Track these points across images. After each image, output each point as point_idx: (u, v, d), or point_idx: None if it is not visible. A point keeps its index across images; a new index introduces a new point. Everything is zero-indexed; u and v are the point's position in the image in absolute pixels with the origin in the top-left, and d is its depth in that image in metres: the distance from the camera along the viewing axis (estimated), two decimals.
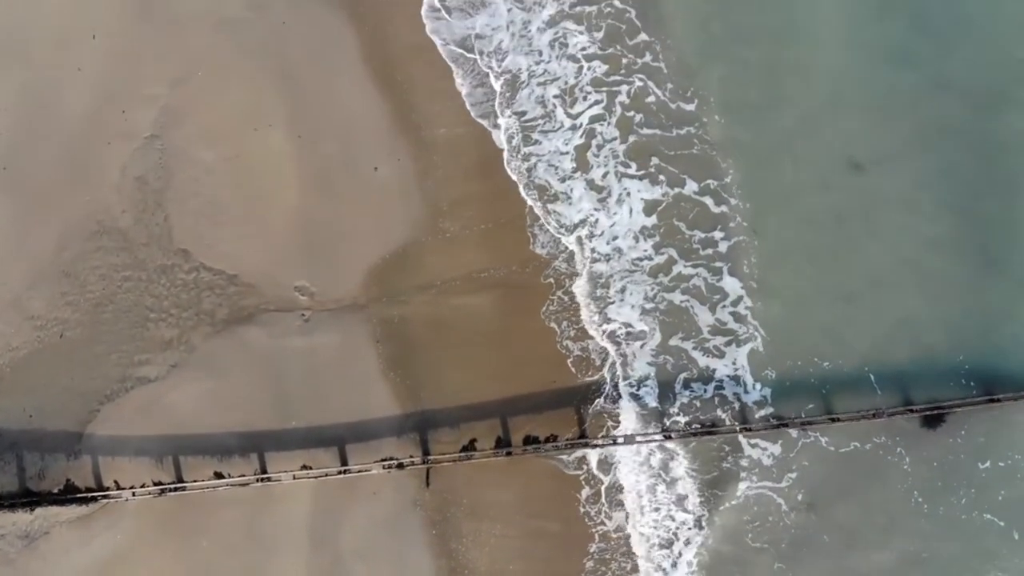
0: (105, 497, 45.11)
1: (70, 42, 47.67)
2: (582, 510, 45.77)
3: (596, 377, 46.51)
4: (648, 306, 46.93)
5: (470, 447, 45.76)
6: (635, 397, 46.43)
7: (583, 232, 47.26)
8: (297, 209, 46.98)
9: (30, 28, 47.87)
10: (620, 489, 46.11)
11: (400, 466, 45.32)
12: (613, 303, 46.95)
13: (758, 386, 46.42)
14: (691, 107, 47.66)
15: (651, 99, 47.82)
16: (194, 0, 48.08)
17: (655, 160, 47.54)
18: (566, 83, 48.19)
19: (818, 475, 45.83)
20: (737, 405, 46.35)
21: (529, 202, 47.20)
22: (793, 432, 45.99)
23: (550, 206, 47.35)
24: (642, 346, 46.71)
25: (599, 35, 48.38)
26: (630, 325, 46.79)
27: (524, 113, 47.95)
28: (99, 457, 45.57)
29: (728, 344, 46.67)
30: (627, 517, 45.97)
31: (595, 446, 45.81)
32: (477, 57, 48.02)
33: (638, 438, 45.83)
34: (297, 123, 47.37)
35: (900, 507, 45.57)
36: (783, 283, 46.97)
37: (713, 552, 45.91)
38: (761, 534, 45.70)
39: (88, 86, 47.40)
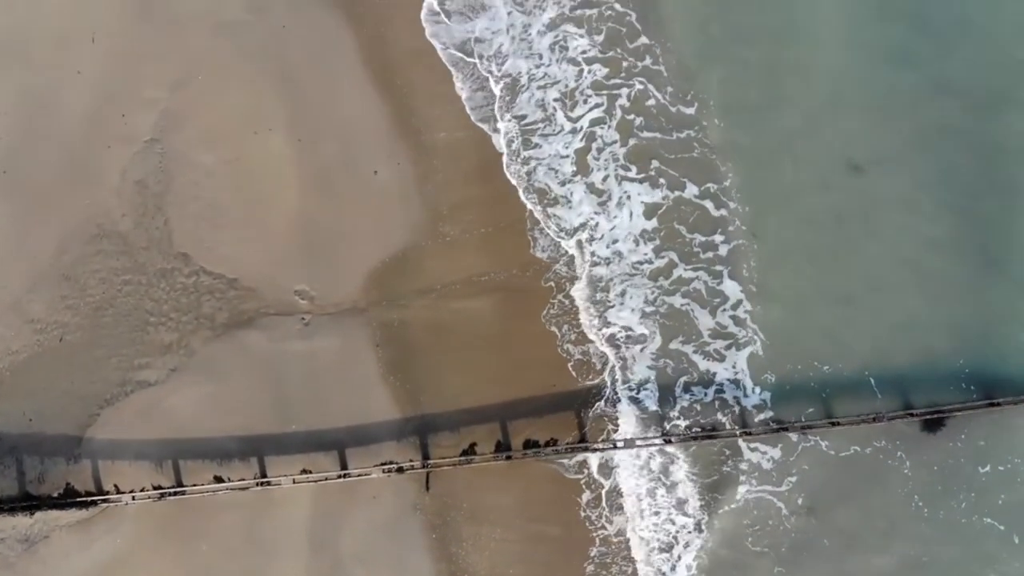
0: (105, 501, 45.04)
1: (69, 45, 47.52)
2: (583, 514, 45.76)
3: (596, 381, 46.50)
4: (648, 309, 46.91)
5: (470, 451, 45.74)
6: (635, 401, 46.41)
7: (583, 236, 47.23)
8: (297, 213, 46.92)
9: (29, 30, 47.72)
10: (621, 493, 46.11)
11: (400, 470, 45.27)
12: (613, 307, 46.93)
13: (757, 390, 46.42)
14: (691, 110, 47.65)
15: (651, 102, 47.80)
16: (194, 3, 47.97)
17: (655, 163, 47.52)
18: (566, 86, 48.14)
19: (818, 479, 45.84)
20: (737, 409, 46.33)
21: (529, 206, 47.17)
22: (793, 436, 46.01)
23: (550, 210, 47.32)
24: (642, 350, 46.69)
25: (599, 38, 48.33)
26: (630, 328, 46.78)
27: (524, 117, 47.91)
28: (99, 461, 45.49)
29: (728, 348, 46.66)
30: (627, 521, 45.95)
31: (595, 450, 45.79)
32: (477, 61, 47.97)
33: (638, 442, 45.81)
34: (297, 126, 47.28)
35: (900, 511, 45.61)
36: (783, 286, 46.98)
37: (713, 556, 45.90)
38: (761, 538, 45.71)
39: (88, 89, 47.27)
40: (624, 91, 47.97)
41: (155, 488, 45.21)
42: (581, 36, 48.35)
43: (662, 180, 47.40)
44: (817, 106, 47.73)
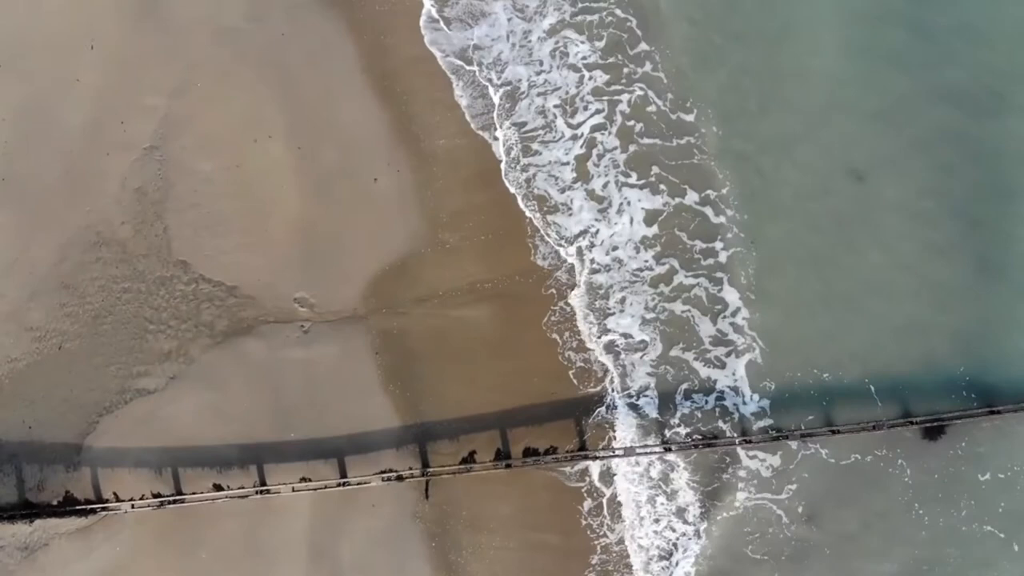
0: (104, 509, 45.10)
1: (68, 52, 47.42)
2: (584, 522, 45.80)
3: (597, 389, 46.49)
4: (649, 316, 46.87)
5: (470, 459, 45.74)
6: (635, 408, 46.39)
7: (583, 243, 47.14)
8: (297, 220, 46.88)
9: (28, 38, 47.62)
10: (620, 501, 46.08)
11: (399, 478, 45.30)
12: (613, 314, 46.88)
13: (756, 397, 46.39)
14: (690, 117, 47.53)
15: (652, 108, 47.70)
16: (193, 10, 47.85)
17: (656, 169, 47.41)
18: (567, 93, 48.01)
19: (818, 487, 45.88)
20: (737, 416, 46.29)
21: (528, 213, 47.09)
22: (793, 444, 45.95)
23: (550, 217, 47.23)
24: (642, 357, 46.66)
25: (600, 44, 48.19)
26: (630, 335, 46.74)
27: (524, 124, 47.79)
28: (98, 469, 45.55)
29: (728, 355, 46.61)
30: (626, 528, 45.93)
31: (595, 458, 45.77)
32: (476, 69, 47.82)
33: (638, 450, 45.78)
34: (297, 134, 47.21)
35: (901, 519, 45.64)
36: (782, 293, 46.96)
37: (712, 564, 45.97)
38: (761, 546, 45.78)
39: (87, 97, 47.20)
40: (625, 97, 47.87)
41: (154, 496, 45.27)
42: (582, 42, 48.20)
43: (662, 186, 47.31)
44: (817, 112, 47.62)
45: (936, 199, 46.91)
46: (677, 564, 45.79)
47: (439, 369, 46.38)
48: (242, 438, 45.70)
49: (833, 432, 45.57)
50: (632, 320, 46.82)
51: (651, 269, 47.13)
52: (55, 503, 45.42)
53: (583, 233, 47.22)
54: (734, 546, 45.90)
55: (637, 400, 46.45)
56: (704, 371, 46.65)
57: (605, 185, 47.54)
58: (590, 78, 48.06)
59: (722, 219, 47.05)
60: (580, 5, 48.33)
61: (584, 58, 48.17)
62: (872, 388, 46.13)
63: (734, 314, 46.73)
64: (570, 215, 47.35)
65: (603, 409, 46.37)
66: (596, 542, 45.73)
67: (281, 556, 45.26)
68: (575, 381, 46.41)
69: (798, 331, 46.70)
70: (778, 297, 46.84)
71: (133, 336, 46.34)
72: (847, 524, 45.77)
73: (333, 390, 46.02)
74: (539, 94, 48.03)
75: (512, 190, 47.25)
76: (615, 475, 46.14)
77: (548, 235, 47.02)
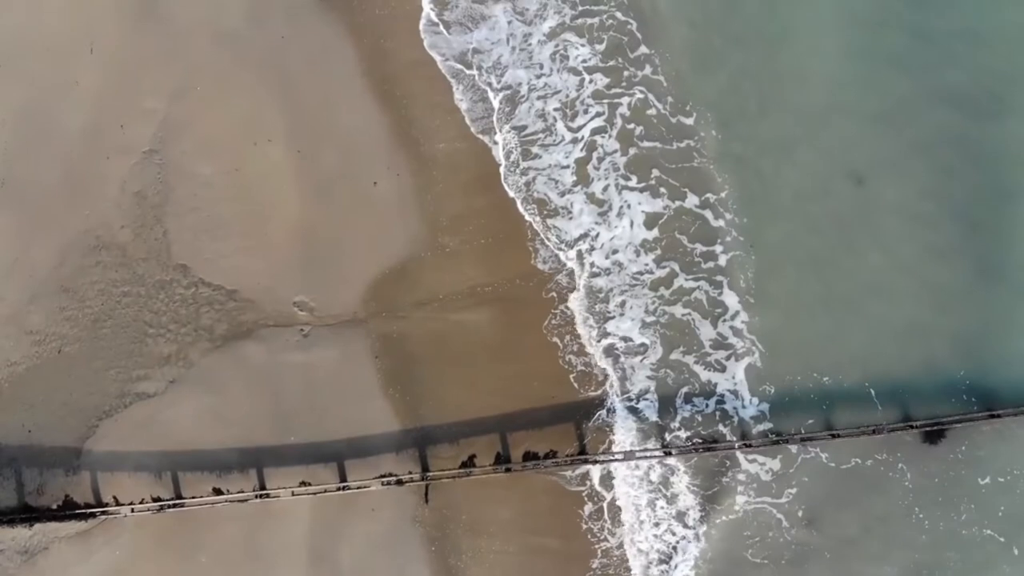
0: (104, 513, 45.10)
1: (68, 55, 47.31)
2: (584, 526, 45.79)
3: (598, 392, 46.45)
4: (649, 320, 46.82)
5: (469, 463, 45.73)
6: (635, 412, 46.37)
7: (583, 246, 47.10)
8: (296, 224, 46.83)
9: (27, 41, 47.53)
10: (620, 505, 46.07)
11: (399, 482, 45.27)
12: (613, 317, 46.84)
13: (756, 401, 46.35)
14: (690, 120, 47.44)
15: (652, 112, 47.62)
16: (192, 14, 47.74)
17: (656, 172, 47.34)
18: (567, 96, 47.93)
19: (818, 490, 45.83)
20: (736, 420, 46.27)
21: (528, 217, 47.02)
22: (793, 448, 45.91)
23: (550, 221, 47.17)
24: (642, 360, 46.63)
25: (601, 47, 48.08)
26: (630, 339, 46.68)
27: (524, 128, 47.70)
28: (98, 473, 45.53)
29: (728, 358, 46.57)
30: (626, 532, 45.91)
31: (595, 462, 45.75)
32: (475, 73, 47.72)
33: (638, 454, 45.75)
34: (296, 137, 47.13)
35: (901, 523, 45.63)
36: (781, 297, 46.88)
37: (712, 567, 45.96)
38: (761, 549, 45.76)
39: (86, 100, 47.11)
40: (625, 100, 47.78)
41: (154, 500, 45.26)
42: (582, 45, 48.11)
43: (663, 189, 47.25)
44: (817, 114, 47.51)
45: (936, 201, 46.83)
46: (676, 568, 45.80)
47: (439, 373, 46.35)
48: (242, 442, 45.68)
49: (833, 436, 45.51)
50: (632, 323, 46.79)
51: (651, 272, 47.09)
52: (55, 507, 45.41)
53: (583, 237, 47.16)
54: (734, 550, 45.88)
55: (637, 404, 46.43)
56: (704, 375, 46.62)
57: (605, 188, 47.47)
58: (590, 81, 47.97)
59: (721, 223, 47.00)
60: (580, 8, 48.22)
61: (584, 61, 48.07)
62: (872, 392, 46.08)
63: (733, 317, 46.68)
64: (570, 219, 47.29)
65: (603, 413, 46.34)
66: (597, 546, 45.74)
67: (281, 560, 45.25)
68: (576, 385, 46.38)
69: (798, 334, 46.64)
70: (778, 300, 46.79)
71: (133, 340, 46.31)
72: (847, 528, 45.73)
73: (333, 394, 45.99)
74: (539, 97, 47.96)
75: (512, 194, 47.18)
76: (615, 479, 46.09)
77: (548, 239, 46.97)
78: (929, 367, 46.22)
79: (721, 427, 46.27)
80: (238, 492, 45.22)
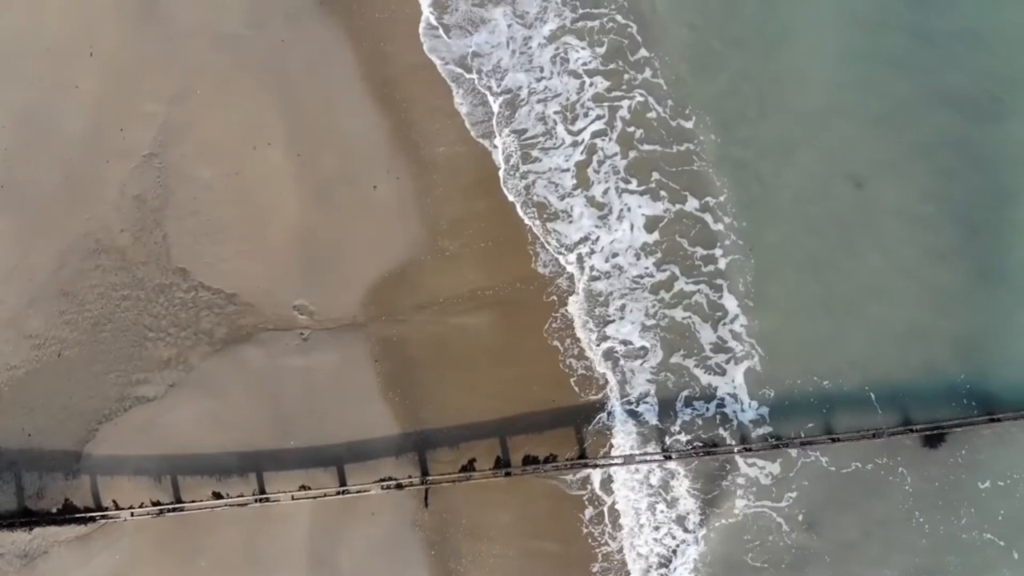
0: (104, 517, 45.02)
1: (67, 59, 47.15)
2: (585, 530, 45.74)
3: (599, 396, 46.39)
4: (649, 323, 46.76)
5: (469, 467, 45.69)
6: (635, 416, 46.32)
7: (583, 249, 47.05)
8: (296, 227, 46.76)
9: (27, 44, 47.39)
10: (619, 508, 46.05)
11: (399, 486, 45.24)
12: (613, 321, 46.80)
13: (755, 404, 46.33)
14: (690, 124, 47.39)
15: (652, 115, 47.52)
16: (192, 17, 47.61)
17: (656, 175, 47.28)
18: (567, 99, 47.81)
19: (818, 494, 45.79)
20: (736, 424, 46.25)
21: (527, 221, 46.94)
22: (793, 452, 45.88)
23: (549, 225, 47.11)
24: (642, 364, 46.58)
25: (601, 50, 47.96)
26: (630, 342, 46.64)
27: (524, 131, 47.61)
28: (98, 477, 45.44)
29: (728, 362, 46.54)
30: (625, 536, 45.90)
31: (594, 466, 45.73)
32: (475, 77, 47.63)
33: (637, 458, 45.72)
34: (296, 141, 47.03)
35: (901, 527, 45.61)
36: (782, 300, 46.80)
37: (711, 571, 45.94)
38: (761, 553, 45.73)
39: (86, 103, 46.95)
40: (625, 103, 47.70)
41: (154, 504, 45.21)
42: (583, 48, 48.01)
43: (663, 193, 47.18)
44: (817, 117, 47.42)
45: (936, 204, 46.76)
46: (675, 571, 45.78)
47: (439, 376, 46.29)
48: (241, 446, 45.62)
49: (833, 440, 45.49)
50: (632, 327, 46.74)
51: (651, 276, 47.03)
52: (54, 511, 45.33)
53: (583, 240, 47.10)
54: (734, 554, 45.86)
55: (637, 407, 46.40)
56: (705, 378, 46.59)
57: (605, 191, 47.40)
58: (591, 84, 47.86)
59: (720, 226, 46.95)
60: (581, 11, 48.12)
61: (585, 64, 47.98)
62: (872, 395, 46.06)
63: (732, 321, 46.64)
64: (570, 222, 47.23)
65: (604, 417, 46.30)
66: (597, 550, 45.69)
67: (281, 564, 45.21)
68: (576, 388, 46.32)
69: (798, 337, 46.61)
70: (778, 303, 46.74)
71: (132, 343, 46.24)
72: (847, 532, 45.68)
73: (332, 398, 45.94)
74: (539, 101, 47.88)
75: (511, 198, 47.11)
76: (614, 482, 46.05)
77: (548, 243, 46.92)
78: (929, 370, 46.18)
79: (721, 431, 46.23)
80: (238, 496, 45.16)
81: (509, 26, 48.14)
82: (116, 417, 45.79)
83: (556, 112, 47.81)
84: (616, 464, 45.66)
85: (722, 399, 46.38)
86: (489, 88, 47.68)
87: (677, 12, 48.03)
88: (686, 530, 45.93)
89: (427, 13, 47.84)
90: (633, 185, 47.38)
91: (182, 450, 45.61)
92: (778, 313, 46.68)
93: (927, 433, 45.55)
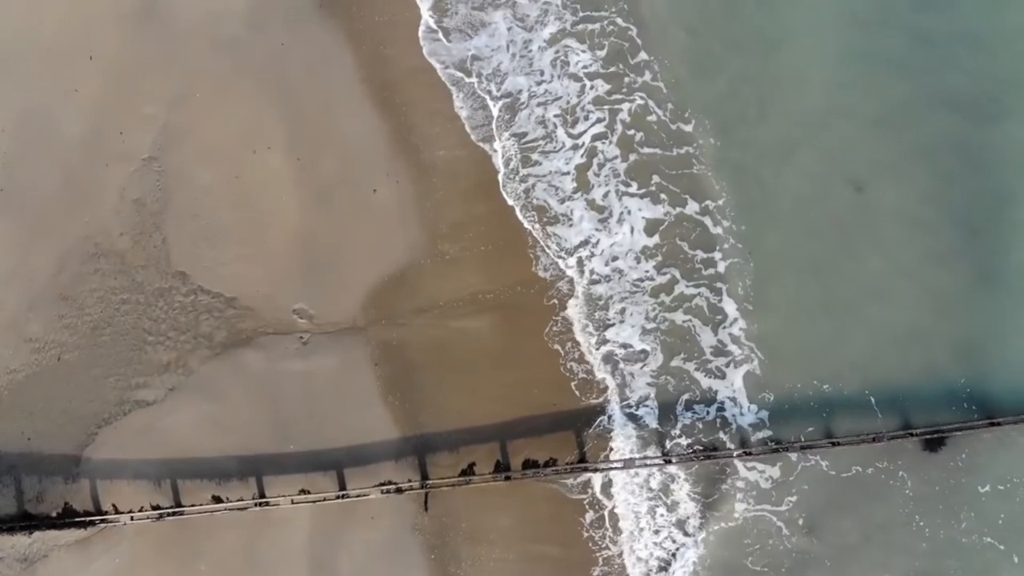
0: (103, 521, 45.04)
1: (67, 62, 47.14)
2: (585, 534, 45.71)
3: (599, 400, 46.35)
4: (649, 326, 46.71)
5: (469, 471, 45.64)
6: (635, 419, 46.29)
7: (584, 253, 46.99)
8: (296, 231, 46.72)
9: (26, 48, 47.38)
10: (619, 512, 46.02)
11: (399, 490, 45.23)
12: (613, 324, 46.75)
13: (754, 408, 46.27)
14: (689, 127, 47.31)
15: (652, 118, 47.46)
16: (192, 20, 47.58)
17: (656, 179, 47.22)
18: (568, 103, 47.74)
19: (818, 498, 45.74)
20: (735, 427, 46.20)
21: (527, 225, 46.89)
22: (792, 455, 45.83)
23: (549, 228, 47.05)
24: (643, 367, 46.53)
25: (602, 53, 47.88)
26: (630, 346, 46.59)
27: (524, 135, 47.55)
28: (97, 480, 45.47)
29: (728, 365, 46.49)
30: (625, 540, 45.87)
31: (594, 470, 45.68)
32: (475, 81, 47.54)
33: (637, 462, 45.68)
34: (296, 145, 47.01)
35: (901, 531, 45.55)
36: (782, 304, 46.74)
37: (711, 574, 45.87)
38: (761, 557, 45.70)
39: (85, 107, 46.94)
40: (625, 106, 47.62)
41: (153, 508, 45.22)
42: (583, 51, 47.91)
43: (663, 196, 47.13)
44: (816, 119, 47.34)
45: (936, 206, 46.69)
46: (675, 575, 45.69)
47: (439, 380, 46.28)
48: (241, 450, 45.61)
49: (833, 444, 45.44)
50: (632, 330, 46.69)
51: (652, 279, 46.97)
52: (54, 515, 45.37)
53: (583, 244, 47.04)
54: (734, 558, 45.84)
55: (637, 411, 46.36)
56: (705, 381, 46.56)
57: (606, 195, 47.34)
58: (591, 87, 47.79)
59: (719, 230, 46.88)
60: (581, 14, 48.06)
61: (585, 67, 47.89)
62: (872, 399, 45.99)
63: (732, 324, 46.58)
64: (570, 226, 47.16)
65: (604, 420, 46.26)
66: (598, 554, 45.65)
67: (280, 568, 45.22)
68: (577, 392, 46.28)
69: (798, 341, 46.55)
70: (777, 307, 46.68)
71: (132, 347, 46.24)
72: (848, 536, 45.65)
73: (332, 402, 45.93)
74: (539, 104, 47.81)
75: (511, 202, 47.05)
76: (614, 486, 45.99)
77: (548, 247, 46.86)
78: (929, 374, 46.12)
79: (721, 434, 46.18)
80: (237, 500, 45.15)
81: (509, 29, 48.04)
82: (116, 421, 45.80)
83: (556, 115, 47.74)
84: (616, 468, 45.62)
85: (722, 403, 46.32)
86: (489, 92, 47.61)
87: (677, 15, 47.95)
88: (686, 534, 45.90)
89: (426, 17, 47.77)
90: (633, 188, 47.32)
91: (182, 454, 45.61)
92: (778, 316, 46.63)
93: (927, 437, 45.44)
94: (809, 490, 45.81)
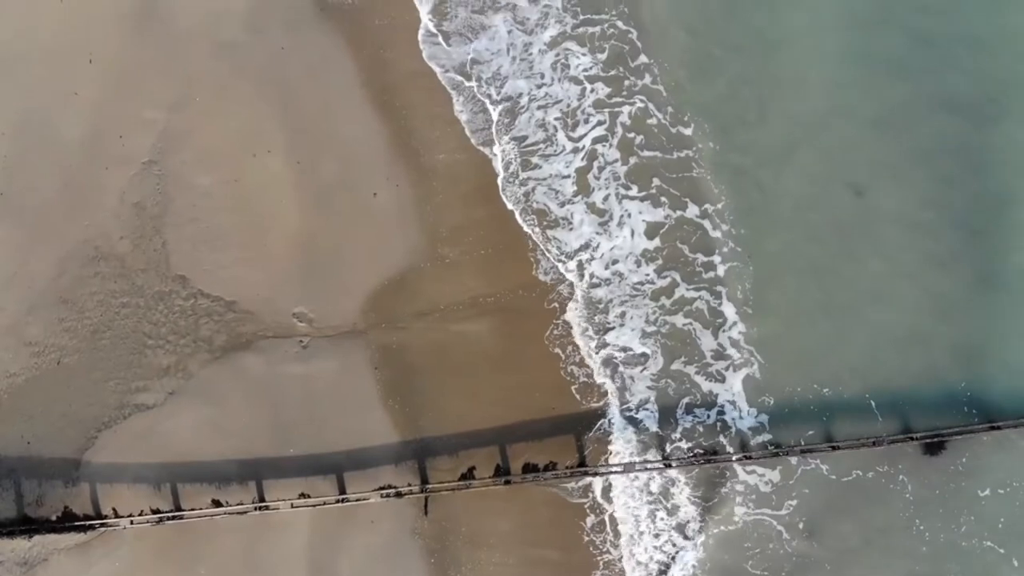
0: (103, 525, 45.01)
1: (66, 66, 47.07)
2: (586, 538, 45.69)
3: (600, 404, 46.33)
4: (650, 330, 46.66)
5: (469, 475, 45.62)
6: (635, 423, 46.26)
7: (584, 256, 46.94)
8: (296, 235, 46.68)
9: (26, 51, 47.32)
10: (618, 516, 45.99)
11: (398, 494, 45.18)
12: (613, 328, 46.69)
13: (754, 412, 46.27)
14: (689, 131, 47.25)
15: (652, 121, 47.43)
16: (192, 23, 47.53)
17: (656, 182, 47.17)
18: (568, 106, 47.68)
19: (818, 502, 45.72)
20: (734, 431, 46.17)
21: (526, 228, 46.84)
22: (793, 459, 45.79)
23: (550, 232, 46.99)
24: (643, 371, 46.51)
25: (602, 56, 47.84)
26: (630, 349, 46.54)
27: (525, 138, 47.48)
28: (97, 484, 45.43)
29: (727, 368, 46.45)
30: (625, 543, 45.84)
31: (594, 474, 45.65)
32: (474, 85, 47.48)
33: (637, 466, 45.64)
34: (296, 148, 46.97)
35: (902, 534, 45.57)
36: (782, 307, 46.74)
37: None
38: (761, 561, 45.71)
39: (85, 110, 46.89)
40: (626, 109, 47.57)
41: (153, 512, 45.18)
42: (583, 54, 47.85)
43: (664, 199, 47.10)
44: (816, 121, 47.36)
45: (936, 209, 46.67)
46: None
47: (439, 383, 46.24)
48: (241, 454, 45.57)
49: (833, 448, 45.42)
50: (632, 334, 46.65)
51: (652, 282, 46.93)
52: (54, 518, 45.33)
53: (584, 247, 46.98)
54: (734, 561, 45.81)
55: (637, 414, 46.33)
56: (706, 385, 46.52)
57: (606, 198, 47.30)
58: (592, 90, 47.74)
59: (718, 233, 46.84)
60: (582, 17, 48.01)
61: (586, 70, 47.83)
62: (872, 403, 45.98)
63: (731, 328, 46.53)
64: (570, 229, 47.10)
65: (604, 424, 46.22)
66: (599, 558, 45.63)
67: (280, 572, 45.20)
68: (577, 396, 46.27)
69: (797, 345, 46.54)
70: (777, 310, 46.68)
71: (132, 351, 46.19)
72: (848, 540, 45.68)
73: (332, 405, 45.90)
74: (539, 107, 47.73)
75: (510, 206, 47.02)
76: (614, 490, 45.97)
77: (548, 251, 46.80)
78: (929, 377, 46.15)
79: (722, 438, 46.14)
80: (237, 504, 45.13)
81: (509, 32, 47.97)
82: (115, 424, 45.75)
83: (556, 118, 47.68)
84: (616, 472, 45.58)
85: (723, 406, 46.27)
86: (488, 96, 47.55)
87: (676, 17, 47.94)
88: (686, 537, 45.87)
89: (426, 20, 47.71)
90: (634, 191, 47.28)
91: (181, 458, 45.57)
92: (778, 320, 46.63)
93: (927, 441, 45.45)
94: (809, 494, 45.81)
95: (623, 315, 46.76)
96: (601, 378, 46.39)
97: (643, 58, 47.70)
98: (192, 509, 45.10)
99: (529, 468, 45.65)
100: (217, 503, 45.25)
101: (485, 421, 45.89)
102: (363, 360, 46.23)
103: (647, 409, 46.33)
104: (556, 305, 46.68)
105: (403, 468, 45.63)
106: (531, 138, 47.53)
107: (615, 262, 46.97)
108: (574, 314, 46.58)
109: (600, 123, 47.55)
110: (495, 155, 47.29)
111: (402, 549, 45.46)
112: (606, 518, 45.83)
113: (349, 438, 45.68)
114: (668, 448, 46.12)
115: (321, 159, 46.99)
